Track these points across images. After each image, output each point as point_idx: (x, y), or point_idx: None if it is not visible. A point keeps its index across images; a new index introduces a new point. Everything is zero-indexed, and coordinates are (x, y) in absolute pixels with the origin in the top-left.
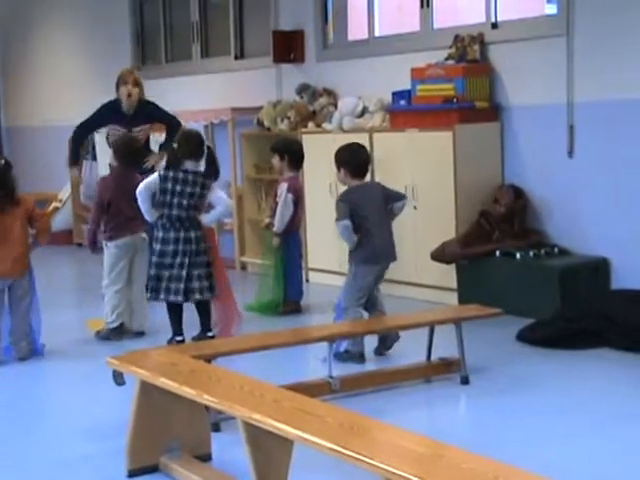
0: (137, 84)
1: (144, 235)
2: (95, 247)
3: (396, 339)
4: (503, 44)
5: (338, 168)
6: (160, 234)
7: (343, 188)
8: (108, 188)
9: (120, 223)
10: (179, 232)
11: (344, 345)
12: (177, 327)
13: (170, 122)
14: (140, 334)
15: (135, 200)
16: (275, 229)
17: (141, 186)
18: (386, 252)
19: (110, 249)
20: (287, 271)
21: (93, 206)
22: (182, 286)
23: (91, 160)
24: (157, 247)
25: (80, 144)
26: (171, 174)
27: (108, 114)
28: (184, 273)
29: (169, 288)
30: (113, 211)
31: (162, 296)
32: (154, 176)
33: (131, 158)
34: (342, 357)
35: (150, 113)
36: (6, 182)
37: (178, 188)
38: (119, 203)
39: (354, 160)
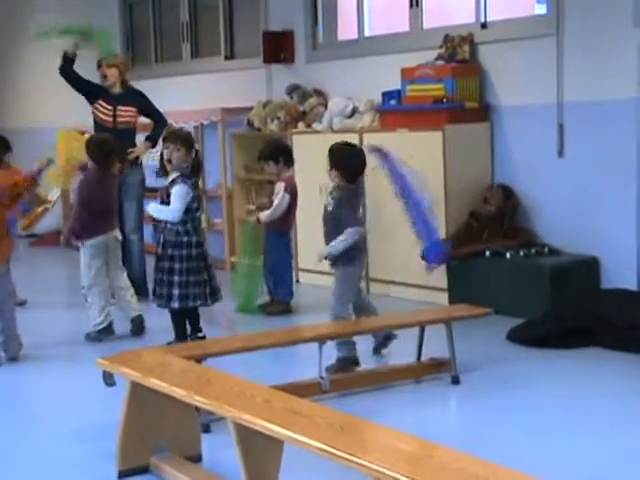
0: (113, 65)
1: (117, 234)
2: (71, 243)
3: (394, 337)
4: (493, 44)
5: (331, 167)
6: (185, 239)
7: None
8: (90, 188)
9: (95, 223)
10: (199, 236)
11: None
12: (183, 331)
13: (157, 119)
14: (140, 328)
15: (112, 199)
16: (261, 215)
17: (180, 204)
18: (365, 247)
19: (85, 249)
20: (278, 271)
21: (78, 207)
22: (209, 289)
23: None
24: (183, 252)
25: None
26: (193, 180)
27: (97, 88)
28: (206, 276)
29: (205, 293)
30: (93, 211)
31: (199, 302)
32: (185, 188)
33: (104, 158)
34: (337, 367)
35: (138, 99)
36: None
37: (195, 193)
38: (97, 203)
39: (349, 166)
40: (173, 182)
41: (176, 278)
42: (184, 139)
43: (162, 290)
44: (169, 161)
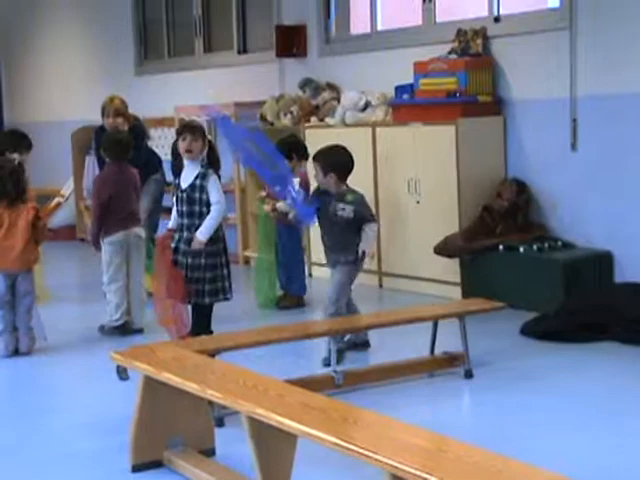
0: (119, 114)
1: (139, 231)
2: (99, 245)
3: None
4: (506, 38)
5: (324, 173)
6: (220, 233)
7: None
8: (105, 185)
9: (115, 219)
10: (224, 229)
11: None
12: (209, 324)
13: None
14: (139, 331)
15: (131, 195)
16: (278, 206)
17: (222, 194)
18: None
19: (105, 246)
20: (291, 266)
21: (94, 205)
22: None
23: (94, 155)
24: (222, 246)
25: None
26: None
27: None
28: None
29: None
30: (111, 208)
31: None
32: (216, 177)
33: (120, 150)
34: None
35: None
36: (19, 182)
37: None
38: (117, 199)
39: (340, 163)
40: (200, 176)
41: (225, 271)
42: (201, 130)
43: (204, 286)
44: (189, 151)
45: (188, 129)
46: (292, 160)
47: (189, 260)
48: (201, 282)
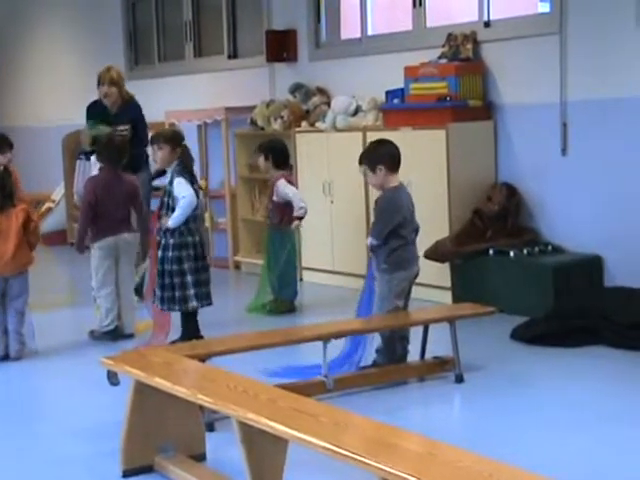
0: (113, 83)
1: (128, 236)
2: (83, 248)
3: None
4: (496, 42)
5: (373, 169)
6: (190, 239)
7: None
8: (96, 188)
9: (105, 224)
10: (201, 235)
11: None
12: (195, 330)
13: (137, 134)
14: (130, 336)
15: (123, 200)
16: (297, 214)
17: (187, 187)
18: (417, 257)
19: (94, 251)
20: (282, 270)
21: (82, 207)
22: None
23: (85, 160)
24: (190, 252)
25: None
26: (187, 176)
27: (94, 113)
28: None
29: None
30: (100, 212)
31: (210, 300)
32: (182, 178)
33: (114, 154)
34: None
35: (132, 115)
36: (4, 186)
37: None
38: (106, 204)
39: (387, 153)
40: (169, 182)
41: (189, 278)
42: (166, 137)
43: (173, 293)
44: (155, 160)
45: (153, 139)
46: (267, 161)
47: (159, 267)
48: (169, 289)
